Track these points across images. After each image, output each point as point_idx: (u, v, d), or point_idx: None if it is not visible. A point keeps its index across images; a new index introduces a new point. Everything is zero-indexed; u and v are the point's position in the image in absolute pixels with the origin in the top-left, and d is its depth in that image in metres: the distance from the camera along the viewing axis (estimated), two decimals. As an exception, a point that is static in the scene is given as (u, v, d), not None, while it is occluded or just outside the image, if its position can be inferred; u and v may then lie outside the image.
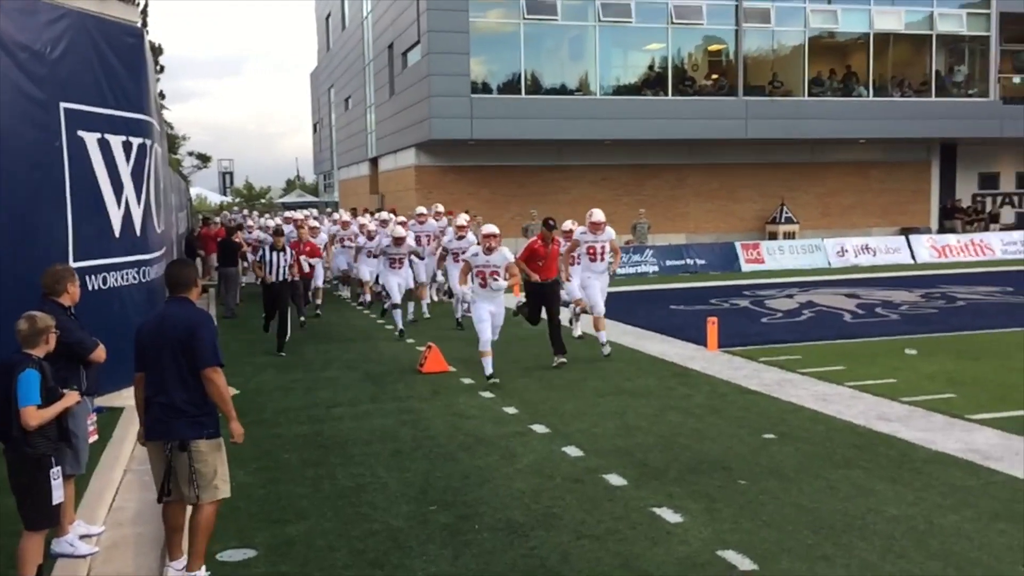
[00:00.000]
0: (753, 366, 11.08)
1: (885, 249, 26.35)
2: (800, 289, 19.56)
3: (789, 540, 5.50)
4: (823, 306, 16.60)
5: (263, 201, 61.54)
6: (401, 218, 17.53)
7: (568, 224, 13.56)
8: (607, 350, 11.81)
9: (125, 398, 8.67)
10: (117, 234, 9.34)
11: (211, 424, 4.98)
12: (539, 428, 8.33)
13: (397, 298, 14.36)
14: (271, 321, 13.46)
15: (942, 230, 30.35)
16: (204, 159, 53.74)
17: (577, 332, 13.53)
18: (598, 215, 12.11)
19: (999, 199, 32.68)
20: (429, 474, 7.01)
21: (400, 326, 14.26)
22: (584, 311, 12.95)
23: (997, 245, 27.15)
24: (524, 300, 12.04)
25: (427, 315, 16.41)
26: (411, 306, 15.93)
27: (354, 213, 24.71)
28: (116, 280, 9.27)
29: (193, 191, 52.25)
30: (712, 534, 5.63)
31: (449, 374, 11.03)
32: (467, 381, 10.59)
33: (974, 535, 5.49)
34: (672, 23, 26.42)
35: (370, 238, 17.53)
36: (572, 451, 7.54)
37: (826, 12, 27.68)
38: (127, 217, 9.49)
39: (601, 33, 26.27)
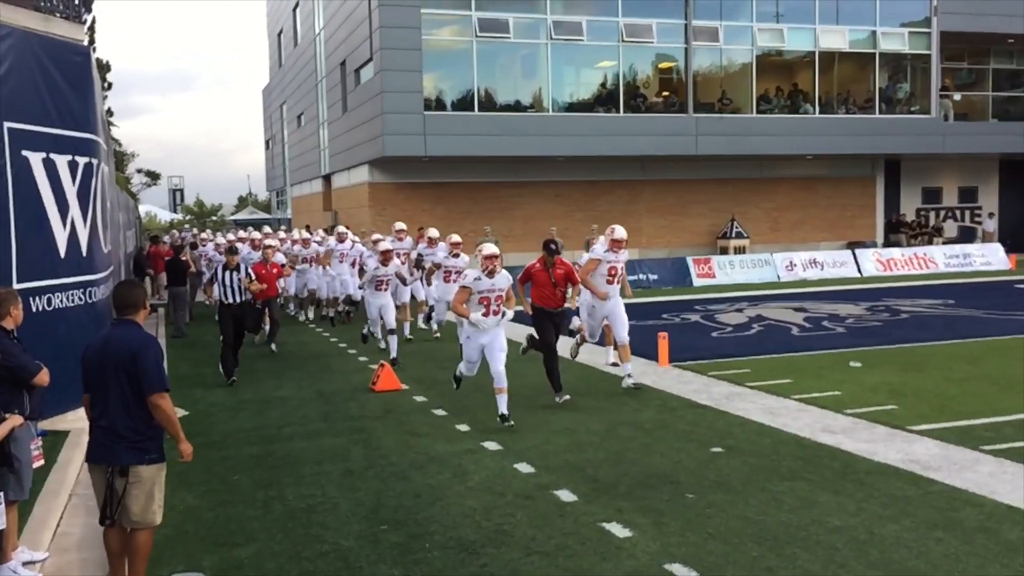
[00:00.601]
0: (703, 380, 11.23)
1: (832, 263, 26.86)
2: (750, 303, 19.86)
3: (734, 552, 5.60)
4: (772, 320, 16.88)
5: (214, 219, 60.82)
6: (378, 235, 16.56)
7: (601, 239, 11.58)
8: (629, 382, 10.76)
9: (70, 421, 8.55)
10: (63, 255, 9.21)
11: (154, 449, 4.94)
12: (491, 445, 8.37)
13: (376, 328, 13.92)
14: (230, 352, 12.07)
15: (887, 244, 31.01)
16: (153, 176, 53.09)
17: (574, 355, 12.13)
18: (621, 232, 11.02)
19: (942, 213, 33.52)
20: (380, 493, 7.02)
21: (364, 332, 14.31)
22: (585, 340, 11.86)
23: (940, 258, 27.81)
24: (529, 337, 10.85)
25: (409, 337, 15.65)
26: (407, 326, 15.77)
27: (308, 230, 24.59)
28: (61, 301, 9.13)
29: (142, 208, 51.59)
30: (660, 548, 5.71)
31: (402, 392, 11.02)
32: (420, 399, 10.60)
33: (912, 544, 5.64)
34: (623, 41, 26.76)
35: (340, 240, 17.58)
36: (523, 468, 7.59)
37: (773, 31, 28.25)
38: (73, 237, 9.36)
39: (553, 51, 26.51)
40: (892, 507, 6.32)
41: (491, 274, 9.37)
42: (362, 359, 13.69)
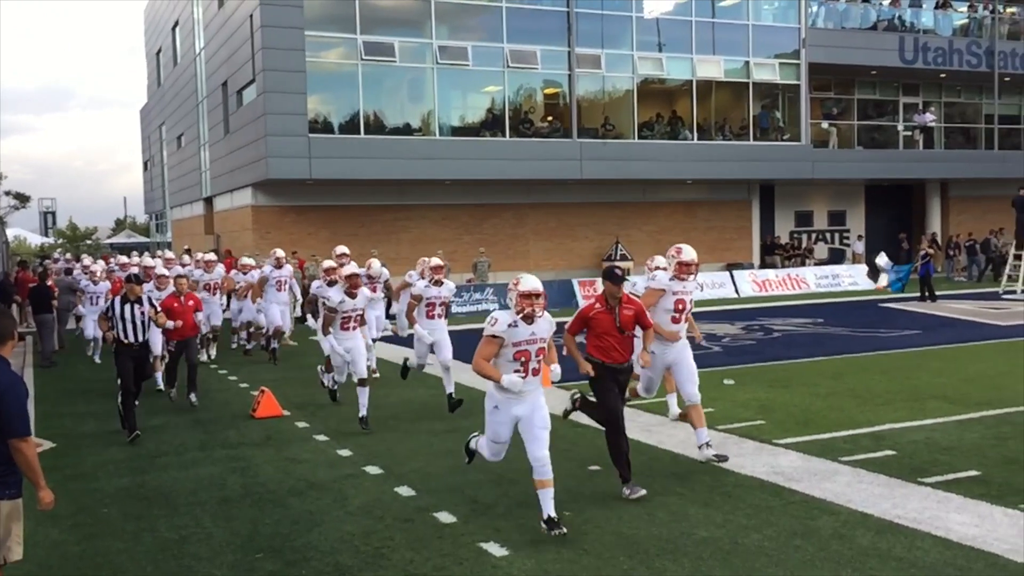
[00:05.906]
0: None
1: (711, 284, 27.72)
2: (632, 324, 20.29)
3: (606, 567, 5.76)
4: (653, 340, 17.31)
5: (89, 242, 58.50)
6: (329, 263, 12.60)
7: (659, 261, 9.46)
8: (709, 452, 8.10)
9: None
10: (-83, 281, 8.78)
11: (13, 484, 4.76)
12: (372, 469, 8.36)
13: (341, 377, 10.95)
14: (131, 400, 10.14)
15: (763, 265, 32.27)
16: (23, 199, 50.75)
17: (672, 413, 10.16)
18: (690, 252, 8.46)
19: (813, 236, 35.13)
20: (257, 522, 6.92)
21: (364, 412, 10.18)
22: (635, 392, 8.79)
23: (811, 279, 29.13)
24: (579, 398, 8.27)
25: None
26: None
27: (188, 253, 23.99)
28: (-84, 330, 8.68)
29: (10, 232, 49.18)
30: (535, 565, 5.82)
31: (283, 419, 10.86)
32: (301, 425, 10.47)
33: (773, 552, 5.92)
34: (508, 67, 27.18)
35: (278, 266, 15.78)
36: (404, 491, 7.61)
37: (653, 60, 29.18)
38: (-71, 263, 8.93)
39: (439, 75, 26.70)
40: (756, 517, 6.61)
41: (529, 319, 6.68)
42: (243, 385, 13.41)
